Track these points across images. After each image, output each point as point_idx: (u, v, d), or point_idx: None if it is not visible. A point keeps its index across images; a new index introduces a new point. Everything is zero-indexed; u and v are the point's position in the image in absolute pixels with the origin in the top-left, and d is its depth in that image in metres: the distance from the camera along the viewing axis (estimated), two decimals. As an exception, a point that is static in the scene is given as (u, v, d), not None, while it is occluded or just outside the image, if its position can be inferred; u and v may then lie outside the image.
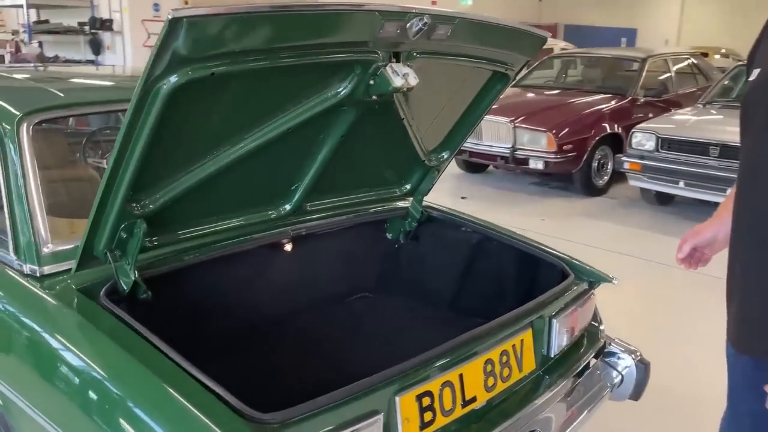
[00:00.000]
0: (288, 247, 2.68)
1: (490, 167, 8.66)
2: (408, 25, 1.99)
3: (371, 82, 2.13)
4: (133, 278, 2.01)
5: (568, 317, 2.47)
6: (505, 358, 2.20)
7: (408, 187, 2.99)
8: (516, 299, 2.65)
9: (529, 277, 2.83)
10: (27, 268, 2.04)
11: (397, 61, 2.14)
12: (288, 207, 2.52)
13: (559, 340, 2.44)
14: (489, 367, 2.14)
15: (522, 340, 2.29)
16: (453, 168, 8.87)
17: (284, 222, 2.55)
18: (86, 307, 1.90)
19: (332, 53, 1.97)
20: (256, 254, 2.52)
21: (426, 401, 1.91)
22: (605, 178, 7.99)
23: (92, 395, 1.70)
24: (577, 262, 2.70)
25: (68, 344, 1.82)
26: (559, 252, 2.79)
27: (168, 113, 1.72)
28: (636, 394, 2.65)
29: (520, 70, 2.70)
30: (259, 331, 2.60)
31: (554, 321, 2.40)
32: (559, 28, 19.53)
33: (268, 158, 2.25)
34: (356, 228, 2.95)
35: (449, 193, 7.92)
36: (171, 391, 1.59)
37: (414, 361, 1.89)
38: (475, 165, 8.60)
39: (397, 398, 1.83)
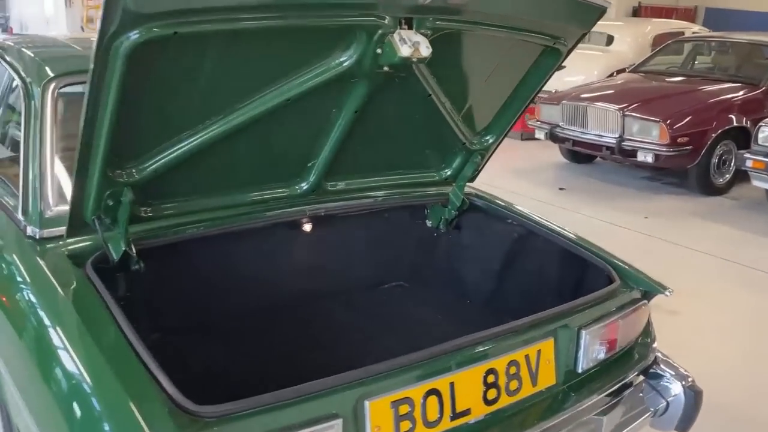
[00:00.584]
0: (306, 227, 2.54)
1: (597, 158, 8.07)
2: None
3: (378, 50, 1.93)
4: (123, 248, 1.95)
5: (604, 329, 2.16)
6: (513, 369, 1.94)
7: (448, 172, 2.75)
8: (556, 303, 2.36)
9: (573, 280, 2.52)
10: (29, 229, 2.04)
11: (409, 28, 1.92)
12: (305, 186, 2.37)
13: (591, 353, 2.13)
14: (491, 378, 1.89)
15: (539, 350, 2.01)
16: (556, 157, 8.37)
17: (302, 201, 2.42)
18: (65, 273, 1.87)
19: (327, 16, 1.79)
20: (267, 233, 2.41)
21: (404, 409, 1.71)
22: (726, 176, 7.18)
23: (47, 359, 1.67)
24: (628, 268, 2.36)
25: (37, 305, 1.81)
26: (608, 255, 2.45)
27: (137, 75, 1.62)
28: (683, 426, 2.28)
29: (575, 45, 2.38)
30: (266, 317, 2.50)
31: (584, 332, 2.10)
32: (699, 11, 17.88)
33: (274, 132, 2.12)
34: (390, 212, 2.77)
35: (548, 183, 7.48)
36: (111, 368, 1.51)
37: (388, 364, 1.69)
38: (580, 155, 8.04)
39: (366, 402, 1.64)
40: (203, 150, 1.99)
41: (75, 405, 1.49)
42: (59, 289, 1.81)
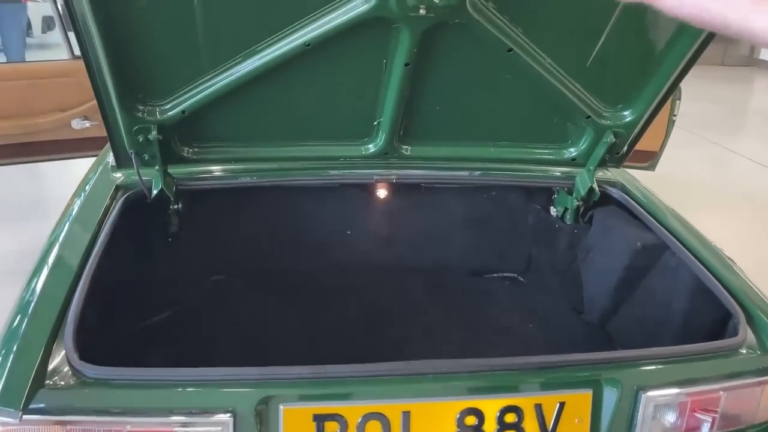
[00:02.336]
0: (380, 193, 2.27)
1: None
2: None
3: None
4: (160, 186, 1.96)
5: (687, 398, 1.53)
6: (511, 418, 1.48)
7: (572, 151, 2.19)
8: (677, 341, 1.78)
9: (697, 320, 1.84)
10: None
11: (440, -40, 1.50)
12: (371, 146, 2.10)
13: (654, 427, 1.53)
14: (471, 420, 1.47)
15: (562, 403, 1.50)
16: None
17: (373, 163, 2.15)
18: (100, 198, 1.94)
19: None
20: (331, 193, 2.21)
21: (332, 427, 1.42)
22: None
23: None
24: None
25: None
26: (755, 295, 1.72)
27: (122, 6, 1.56)
28: None
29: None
30: (326, 283, 2.32)
31: (644, 395, 1.51)
32: None
33: (321, 81, 1.90)
34: (497, 190, 2.34)
35: None
36: (35, 304, 1.52)
37: (321, 370, 1.42)
38: None
39: (281, 407, 1.40)
40: (237, 93, 1.86)
41: None
42: (87, 210, 1.89)
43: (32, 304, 1.52)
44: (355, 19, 1.67)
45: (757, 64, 11.69)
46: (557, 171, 2.28)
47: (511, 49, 1.79)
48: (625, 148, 2.17)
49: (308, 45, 1.72)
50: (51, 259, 1.69)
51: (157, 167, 1.96)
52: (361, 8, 1.63)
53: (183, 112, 1.88)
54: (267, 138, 2.07)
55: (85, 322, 1.48)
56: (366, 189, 2.28)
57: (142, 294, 2.00)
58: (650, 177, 4.19)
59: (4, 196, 4.64)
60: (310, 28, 1.71)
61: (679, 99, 3.85)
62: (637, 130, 2.11)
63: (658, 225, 2.03)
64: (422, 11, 1.58)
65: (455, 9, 1.60)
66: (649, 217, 2.07)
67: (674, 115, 4.01)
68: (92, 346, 1.46)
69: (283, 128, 2.05)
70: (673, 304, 1.95)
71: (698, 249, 1.91)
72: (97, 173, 2.14)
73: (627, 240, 2.10)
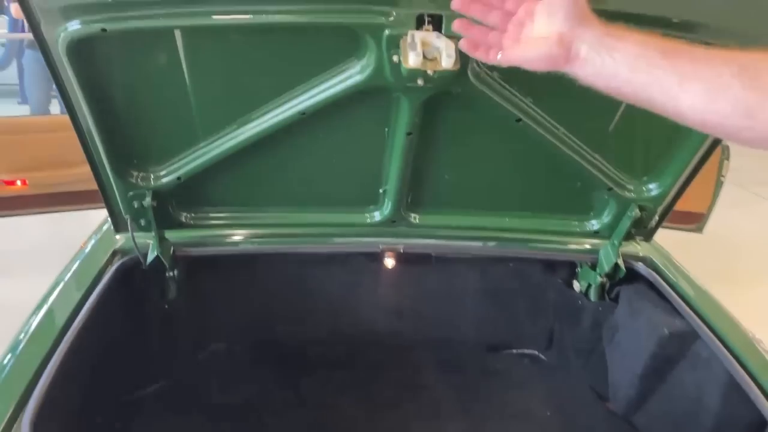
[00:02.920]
0: (388, 263, 2.15)
1: None
2: None
3: (395, 58, 1.46)
4: (156, 253, 1.90)
5: None
6: None
7: (595, 224, 2.03)
8: None
9: (730, 420, 1.64)
10: None
11: (436, 29, 1.40)
12: (377, 215, 1.99)
13: None
14: None
15: None
16: None
17: (379, 232, 2.04)
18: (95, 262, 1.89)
19: (306, 11, 1.41)
20: (327, 262, 2.10)
21: None
22: None
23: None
24: None
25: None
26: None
27: (104, 74, 1.52)
28: None
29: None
30: (330, 353, 2.19)
31: None
32: None
33: (316, 145, 1.82)
34: (516, 263, 2.18)
35: None
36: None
37: None
38: None
39: None
40: (235, 159, 1.79)
41: None
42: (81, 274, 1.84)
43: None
44: (352, 89, 1.58)
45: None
46: (580, 243, 2.12)
47: (519, 119, 1.66)
48: (654, 221, 2.00)
49: (304, 114, 1.64)
50: (32, 327, 1.64)
51: (153, 233, 1.90)
52: (356, 78, 1.55)
53: (179, 178, 1.81)
54: (268, 203, 1.99)
55: (58, 399, 1.40)
56: (372, 258, 2.17)
57: (129, 365, 1.92)
58: (698, 240, 3.94)
59: (41, 245, 4.72)
60: (305, 96, 1.63)
61: (728, 159, 3.63)
62: (666, 204, 1.94)
63: (689, 309, 1.84)
64: (420, 82, 1.48)
65: (456, 79, 1.49)
66: (679, 299, 1.88)
67: (722, 176, 3.78)
68: (67, 425, 1.38)
69: (284, 194, 1.97)
70: (704, 401, 1.75)
71: (733, 340, 1.71)
72: (99, 234, 2.09)
73: (654, 324, 1.91)
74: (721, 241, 4.43)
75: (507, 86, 1.61)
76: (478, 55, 1.02)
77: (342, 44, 1.52)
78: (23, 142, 3.69)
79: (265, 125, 1.69)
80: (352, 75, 1.55)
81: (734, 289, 4.28)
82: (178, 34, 1.48)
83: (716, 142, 1.77)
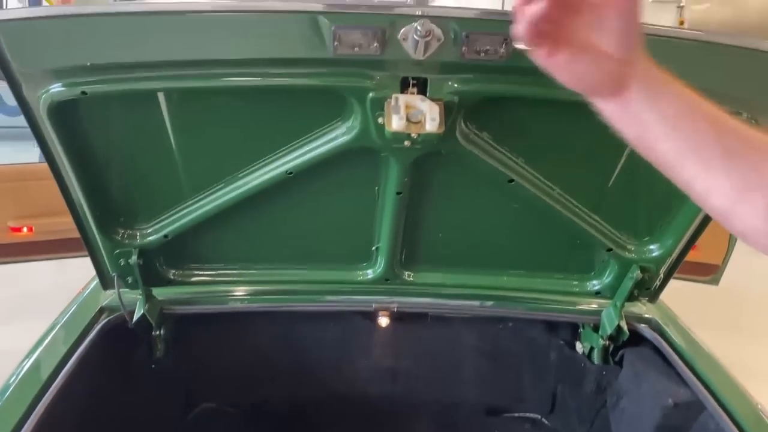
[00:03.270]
0: (382, 322, 2.08)
1: None
2: (401, 35, 1.25)
3: (380, 120, 1.43)
4: (142, 311, 1.86)
5: None
6: None
7: (596, 284, 1.96)
8: None
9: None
10: None
11: (420, 92, 1.37)
12: (370, 272, 1.94)
13: None
14: None
15: None
16: None
17: (373, 290, 1.98)
18: (81, 320, 1.85)
19: (290, 75, 1.39)
20: (319, 320, 2.04)
21: None
22: None
23: None
24: None
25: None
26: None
27: (89, 135, 1.50)
28: None
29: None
30: (326, 413, 2.11)
31: None
32: None
33: (305, 203, 1.78)
34: (516, 323, 2.11)
35: None
36: None
37: None
38: None
39: None
40: (223, 217, 1.76)
41: None
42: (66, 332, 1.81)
43: None
44: (338, 149, 1.55)
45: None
46: (581, 304, 2.04)
47: (512, 180, 1.62)
48: (658, 282, 1.92)
49: (291, 173, 1.61)
50: (9, 390, 1.59)
51: (140, 291, 1.86)
52: (343, 139, 1.52)
53: (166, 236, 1.78)
54: (257, 260, 1.94)
55: None
56: (366, 317, 2.11)
57: (114, 426, 1.85)
58: (714, 292, 3.81)
59: (47, 291, 4.70)
60: (291, 156, 1.60)
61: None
62: (669, 264, 1.86)
63: (695, 378, 1.75)
64: (406, 144, 1.44)
65: (443, 141, 1.45)
66: (684, 367, 1.79)
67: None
68: None
69: (274, 251, 1.93)
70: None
71: (741, 412, 1.62)
72: (88, 290, 2.06)
73: (659, 393, 1.82)
74: (736, 291, 4.29)
75: (498, 147, 1.57)
76: (537, 46, 0.77)
77: (328, 106, 1.49)
78: (29, 189, 3.71)
79: (252, 184, 1.66)
80: (338, 136, 1.52)
81: (750, 342, 4.15)
82: (161, 95, 1.46)
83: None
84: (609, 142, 1.59)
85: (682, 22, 10.45)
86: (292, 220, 1.85)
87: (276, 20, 1.29)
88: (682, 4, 9.55)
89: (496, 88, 1.39)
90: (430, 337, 2.16)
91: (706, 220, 1.75)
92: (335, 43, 1.26)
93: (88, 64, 1.31)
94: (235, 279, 1.97)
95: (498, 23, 1.26)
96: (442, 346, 2.17)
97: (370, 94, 1.38)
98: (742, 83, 1.42)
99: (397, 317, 2.06)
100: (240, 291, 2.00)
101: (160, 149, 1.59)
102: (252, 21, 1.30)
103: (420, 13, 1.24)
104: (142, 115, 1.51)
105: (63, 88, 1.36)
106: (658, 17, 9.47)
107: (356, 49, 1.27)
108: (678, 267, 1.91)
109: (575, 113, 1.56)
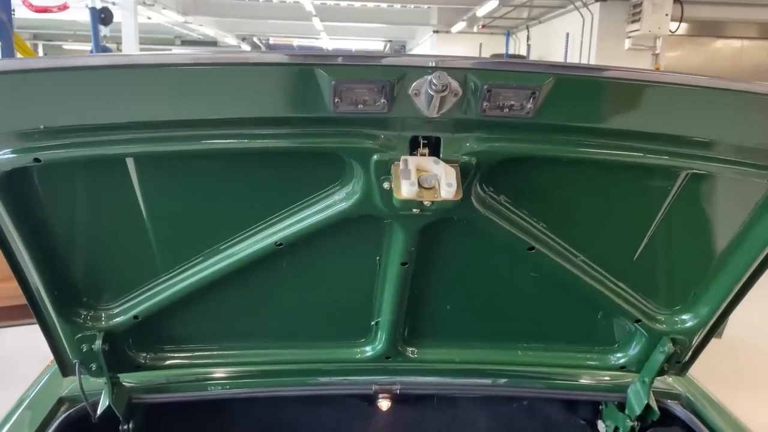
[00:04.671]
0: (383, 404, 1.85)
1: None
2: (413, 89, 1.07)
3: (386, 185, 1.24)
4: (108, 402, 1.61)
5: None
6: None
7: (621, 357, 1.76)
8: None
9: None
10: None
11: (433, 153, 1.19)
12: (369, 349, 1.72)
13: None
14: None
15: None
16: None
17: (372, 369, 1.76)
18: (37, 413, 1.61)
19: (278, 136, 1.20)
20: (313, 405, 1.81)
21: None
22: None
23: None
24: None
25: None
26: None
27: (45, 204, 1.29)
28: None
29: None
30: None
31: None
32: None
33: (296, 276, 1.58)
34: (532, 402, 1.90)
35: None
36: None
37: None
38: None
39: None
40: (202, 293, 1.54)
41: None
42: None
43: None
44: (335, 218, 1.35)
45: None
46: (603, 379, 1.84)
47: (533, 248, 1.43)
48: (689, 355, 1.73)
49: (280, 245, 1.41)
50: None
51: (105, 379, 1.61)
52: (341, 206, 1.32)
53: (136, 317, 1.55)
54: (242, 340, 1.72)
55: None
56: (365, 400, 1.87)
57: None
58: (717, 345, 3.66)
59: (12, 358, 4.38)
60: (280, 226, 1.40)
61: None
62: (703, 335, 1.68)
63: None
64: (416, 211, 1.25)
65: (458, 207, 1.26)
66: None
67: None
68: None
69: (260, 329, 1.71)
70: None
71: None
72: (47, 376, 1.81)
73: None
74: (742, 343, 4.14)
75: (518, 211, 1.39)
76: None
77: (324, 168, 1.30)
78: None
79: (236, 257, 1.45)
80: (335, 203, 1.33)
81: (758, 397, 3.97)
82: (130, 160, 1.26)
83: (763, 268, 1.52)
84: (639, 204, 1.45)
85: (657, 68, 10.61)
86: (280, 294, 1.64)
87: (265, 74, 1.10)
88: (657, 52, 9.69)
89: (521, 148, 1.21)
90: (437, 421, 1.93)
91: (746, 286, 1.58)
92: (335, 100, 1.08)
93: (42, 127, 1.11)
94: (215, 361, 1.74)
95: (524, 75, 1.09)
96: (450, 431, 1.94)
97: (375, 156, 1.19)
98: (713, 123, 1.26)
99: (399, 399, 1.84)
100: (221, 374, 1.77)
101: (129, 219, 1.38)
102: (236, 75, 1.11)
103: (434, 65, 1.07)
104: (108, 181, 1.31)
105: (12, 155, 1.16)
106: (635, 64, 9.56)
107: (360, 106, 1.09)
108: (711, 338, 1.72)
109: (603, 174, 1.40)
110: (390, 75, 1.06)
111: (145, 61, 1.11)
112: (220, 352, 1.72)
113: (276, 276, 1.56)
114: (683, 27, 10.02)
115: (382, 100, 1.07)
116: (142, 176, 1.29)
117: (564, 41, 10.91)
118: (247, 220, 1.41)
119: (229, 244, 1.45)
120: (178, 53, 1.18)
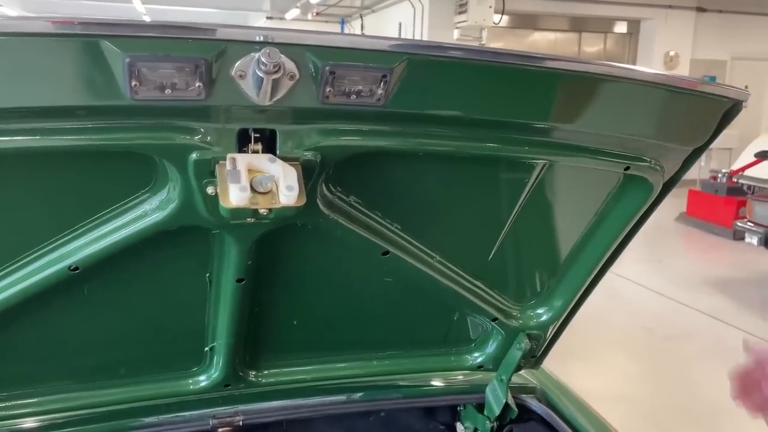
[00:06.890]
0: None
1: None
2: (236, 70, 0.85)
3: (210, 190, 1.01)
4: None
5: None
6: None
7: (478, 356, 1.68)
8: None
9: None
10: None
11: (266, 149, 0.98)
12: (204, 379, 1.48)
13: None
14: None
15: None
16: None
17: (209, 400, 1.52)
18: None
19: (63, 131, 0.93)
20: None
21: None
22: None
23: None
24: None
25: None
26: None
27: None
28: None
29: (684, 166, 1.25)
30: None
31: None
32: None
33: (101, 303, 1.30)
34: (389, 413, 1.76)
35: (760, 305, 5.66)
36: None
37: None
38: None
39: None
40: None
41: None
42: None
43: None
44: (146, 232, 1.10)
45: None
46: (461, 380, 1.75)
47: (387, 252, 1.27)
48: (539, 350, 1.69)
49: (75, 269, 1.12)
50: None
51: None
52: (153, 218, 1.07)
53: None
54: (42, 384, 1.40)
55: None
56: None
57: None
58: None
59: None
60: (75, 245, 1.11)
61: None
62: (556, 328, 1.64)
63: None
64: (250, 220, 1.03)
65: (302, 212, 1.06)
66: None
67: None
68: None
69: (66, 368, 1.40)
70: None
71: None
72: None
73: None
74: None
75: (370, 213, 1.22)
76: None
77: (129, 171, 1.04)
78: None
79: (16, 288, 1.14)
80: (146, 213, 1.07)
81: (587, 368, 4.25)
82: None
83: (614, 257, 1.50)
84: (496, 199, 1.35)
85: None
86: (88, 326, 1.34)
87: (34, 49, 0.82)
88: (483, 42, 10.10)
89: (371, 142, 1.04)
90: None
91: (599, 276, 1.55)
92: (132, 83, 0.83)
93: None
94: (7, 413, 1.40)
95: (374, 54, 0.91)
96: None
97: (193, 155, 0.96)
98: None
99: (243, 431, 1.61)
100: (15, 428, 1.43)
101: None
102: None
103: (262, 39, 0.85)
104: None
105: None
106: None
107: (168, 91, 0.85)
108: (564, 328, 1.70)
109: (460, 169, 1.28)
110: (205, 51, 0.83)
111: None
112: (10, 402, 1.39)
113: (78, 305, 1.27)
114: (505, 19, 10.57)
115: (197, 84, 0.85)
116: None
117: (397, 30, 11.06)
118: (32, 239, 1.11)
119: (5, 271, 1.14)
120: None
